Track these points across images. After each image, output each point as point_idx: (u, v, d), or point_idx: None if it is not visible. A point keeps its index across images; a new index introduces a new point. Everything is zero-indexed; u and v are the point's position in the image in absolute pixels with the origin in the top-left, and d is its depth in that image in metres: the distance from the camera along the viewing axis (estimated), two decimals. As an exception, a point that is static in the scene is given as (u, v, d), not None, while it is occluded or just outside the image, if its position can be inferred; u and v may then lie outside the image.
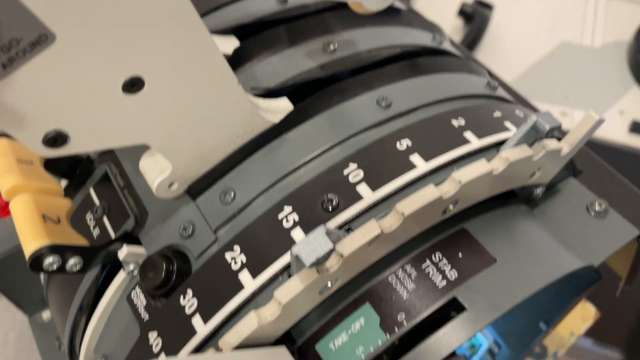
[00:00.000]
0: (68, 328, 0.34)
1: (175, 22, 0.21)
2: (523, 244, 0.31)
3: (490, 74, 0.40)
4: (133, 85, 0.21)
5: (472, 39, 0.98)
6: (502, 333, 0.56)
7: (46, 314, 0.45)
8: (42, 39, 0.18)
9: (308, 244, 0.23)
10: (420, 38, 0.37)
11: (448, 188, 0.27)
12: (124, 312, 0.30)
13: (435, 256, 0.29)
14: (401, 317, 0.28)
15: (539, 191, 0.36)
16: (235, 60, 0.32)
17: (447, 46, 0.39)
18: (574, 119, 0.94)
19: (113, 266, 0.31)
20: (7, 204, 0.36)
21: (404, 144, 0.28)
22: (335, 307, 0.28)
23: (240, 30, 0.33)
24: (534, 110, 0.43)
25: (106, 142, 0.23)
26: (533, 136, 0.30)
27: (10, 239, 0.38)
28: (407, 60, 0.33)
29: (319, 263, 0.24)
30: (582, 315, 0.66)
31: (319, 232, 0.24)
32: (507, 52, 1.03)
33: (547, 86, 0.99)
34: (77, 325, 0.33)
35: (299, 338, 0.28)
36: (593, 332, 0.66)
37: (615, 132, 0.91)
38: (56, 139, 0.21)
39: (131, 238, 0.30)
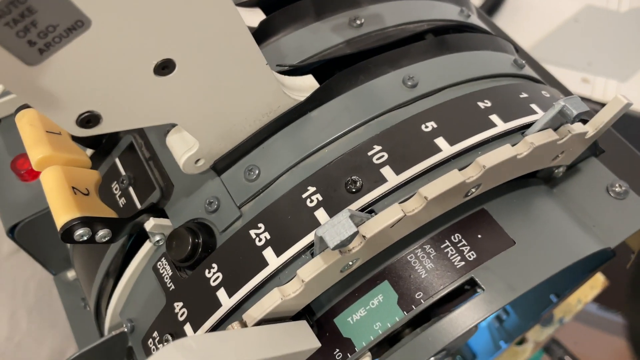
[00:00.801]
0: (95, 291, 0.35)
1: (206, 2, 0.21)
2: (542, 226, 0.32)
3: (517, 49, 0.39)
4: (164, 67, 0.22)
5: (494, 2, 0.95)
6: (512, 302, 0.57)
7: (71, 274, 0.46)
8: (78, 24, 0.18)
9: (332, 227, 0.24)
10: (447, 12, 0.36)
11: (472, 173, 0.27)
12: (149, 281, 0.31)
13: (454, 236, 0.29)
14: (419, 295, 0.28)
15: (559, 171, 0.36)
16: (261, 34, 0.32)
17: (474, 20, 0.38)
18: (595, 87, 0.92)
19: (139, 235, 0.32)
20: (32, 168, 0.37)
21: (429, 126, 0.28)
22: (354, 283, 0.29)
23: (265, 3, 0.33)
24: (551, 80, 0.42)
25: (136, 122, 0.23)
26: (559, 121, 0.29)
27: (36, 202, 0.39)
28: (434, 38, 0.32)
29: (343, 245, 0.24)
30: (591, 284, 0.67)
31: (343, 216, 0.24)
32: (528, 15, 1.00)
33: (569, 51, 0.97)
34: (103, 289, 0.35)
35: (319, 311, 0.29)
36: (599, 298, 0.66)
37: (637, 101, 0.89)
38: (89, 119, 0.21)
39: (157, 210, 0.31)
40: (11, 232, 0.39)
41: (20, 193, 0.39)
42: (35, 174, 0.39)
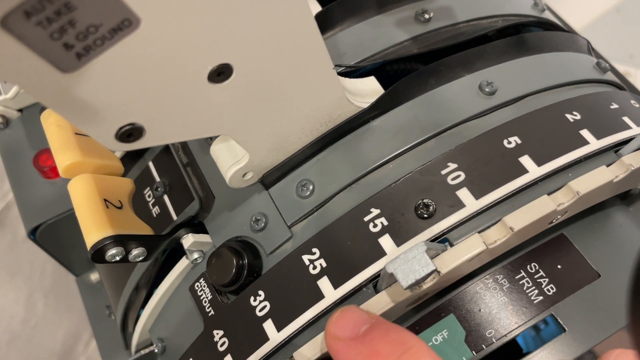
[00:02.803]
0: (122, 304, 0.32)
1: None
2: (626, 255, 0.28)
3: (591, 48, 0.35)
4: (220, 73, 0.18)
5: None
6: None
7: (94, 276, 0.44)
8: (125, 24, 0.15)
9: (406, 262, 0.21)
10: (521, 6, 0.32)
11: (563, 199, 0.23)
12: (185, 301, 0.28)
13: (530, 266, 0.26)
14: (490, 333, 0.25)
15: (637, 188, 0.32)
16: (316, 28, 0.28)
17: (548, 15, 0.34)
18: (637, 80, 0.87)
19: (173, 248, 0.29)
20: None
21: (512, 141, 0.24)
22: (415, 315, 0.26)
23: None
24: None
25: (183, 135, 0.20)
26: (658, 138, 0.26)
27: (59, 203, 0.36)
28: (512, 37, 0.28)
29: (417, 284, 0.21)
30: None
31: (419, 250, 0.21)
32: (567, 4, 0.95)
33: (610, 43, 0.91)
34: (132, 303, 0.32)
35: (374, 344, 0.26)
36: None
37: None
38: (131, 133, 0.18)
39: (195, 223, 0.27)
40: (32, 234, 0.36)
41: (42, 192, 0.36)
42: (58, 172, 0.36)
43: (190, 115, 0.19)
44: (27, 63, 0.14)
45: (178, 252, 0.29)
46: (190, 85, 0.18)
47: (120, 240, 0.23)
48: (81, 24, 0.14)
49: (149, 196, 0.30)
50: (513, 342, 0.27)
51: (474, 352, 0.25)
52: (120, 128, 0.18)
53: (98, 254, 0.23)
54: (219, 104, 0.19)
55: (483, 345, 0.25)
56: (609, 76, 0.31)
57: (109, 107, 0.17)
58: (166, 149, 0.30)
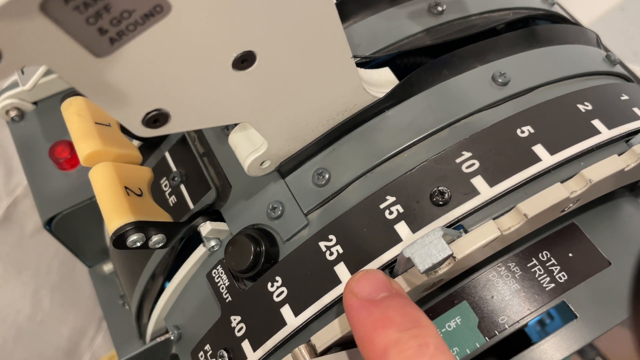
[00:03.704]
0: (138, 293, 0.33)
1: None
2: (636, 243, 0.28)
3: (599, 41, 0.35)
4: (244, 61, 0.19)
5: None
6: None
7: (107, 267, 0.44)
8: (157, 10, 0.15)
9: (422, 247, 0.21)
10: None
11: (575, 187, 0.24)
12: (201, 288, 0.29)
13: (542, 254, 0.26)
14: (502, 320, 0.26)
15: (646, 180, 0.32)
16: (331, 20, 0.28)
17: (558, 9, 0.34)
18: (643, 79, 0.87)
19: (189, 238, 0.29)
20: (73, 156, 0.34)
21: (525, 131, 0.25)
22: (428, 302, 0.26)
23: (336, -15, 0.29)
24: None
25: (207, 122, 0.20)
26: (669, 128, 0.26)
27: (75, 194, 0.36)
28: (524, 29, 0.29)
29: (434, 268, 0.21)
30: None
31: (436, 235, 0.21)
32: (571, 2, 0.95)
33: (614, 41, 0.91)
34: (147, 291, 0.32)
35: (387, 330, 0.27)
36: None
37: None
38: (157, 118, 0.18)
39: (212, 211, 0.28)
40: (48, 225, 0.36)
41: (58, 183, 0.37)
42: (74, 163, 0.37)
43: (213, 102, 0.19)
44: (63, 47, 0.15)
45: (193, 241, 0.29)
46: (215, 72, 0.18)
47: (141, 226, 0.24)
48: (116, 9, 0.15)
49: (165, 186, 0.30)
50: (524, 335, 0.27)
51: (486, 338, 0.25)
52: (147, 113, 0.18)
53: (119, 239, 0.24)
54: (242, 92, 0.20)
55: (496, 332, 0.25)
56: (618, 69, 0.32)
57: (137, 93, 0.17)
58: (182, 139, 0.30)
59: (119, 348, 0.39)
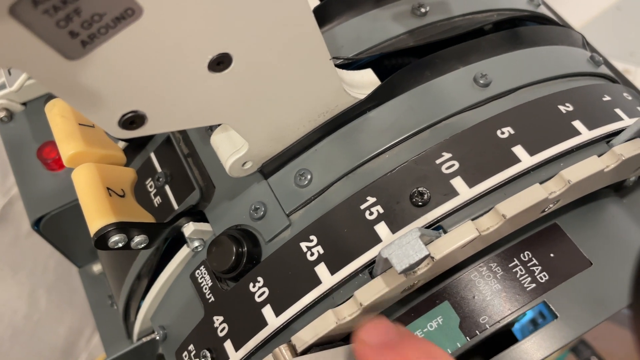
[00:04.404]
0: (124, 293, 0.33)
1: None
2: (618, 245, 0.28)
3: (586, 42, 0.35)
4: (220, 63, 0.19)
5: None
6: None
7: (97, 267, 0.44)
8: (128, 13, 0.15)
9: (400, 247, 0.21)
10: (516, 1, 0.32)
11: (554, 188, 0.24)
12: (185, 288, 0.29)
13: (524, 254, 0.27)
14: (484, 319, 0.26)
15: (632, 179, 0.32)
16: (314, 21, 0.28)
17: (544, 9, 0.34)
18: (637, 78, 0.87)
19: (174, 237, 0.29)
20: (60, 157, 0.34)
21: (505, 132, 0.25)
22: (410, 302, 0.26)
23: (320, -14, 0.30)
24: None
25: (184, 123, 0.20)
26: (649, 129, 0.26)
27: (63, 194, 0.36)
28: (506, 30, 0.29)
29: (411, 269, 0.21)
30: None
31: (413, 236, 0.21)
32: (567, 1, 0.95)
33: (610, 40, 0.91)
34: (134, 292, 0.32)
35: (370, 330, 0.27)
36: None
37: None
38: (133, 120, 0.19)
39: (195, 212, 0.28)
40: (36, 225, 0.37)
41: (46, 183, 0.37)
42: (62, 163, 0.37)
43: (191, 104, 0.20)
44: (35, 50, 0.15)
45: (179, 242, 0.29)
46: (191, 74, 0.18)
47: (123, 227, 0.24)
48: (86, 12, 0.15)
49: (150, 186, 0.30)
50: (509, 333, 0.27)
51: (467, 337, 0.25)
52: (123, 115, 0.18)
53: (101, 240, 0.24)
54: (219, 93, 0.20)
55: (477, 331, 0.25)
56: (603, 69, 0.32)
57: (112, 95, 0.17)
58: (167, 140, 0.30)
59: (108, 348, 0.40)
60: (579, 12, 0.94)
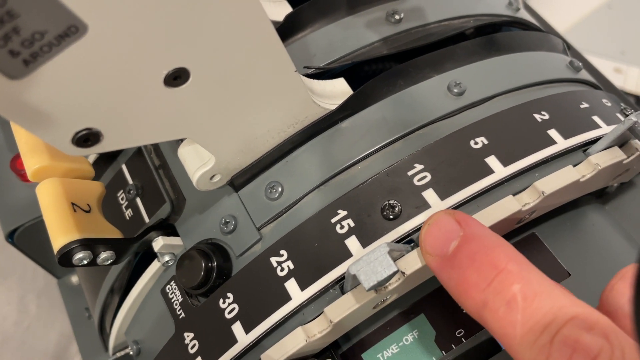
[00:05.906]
0: (98, 307, 0.32)
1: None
2: (597, 254, 0.28)
3: (568, 46, 0.35)
4: (176, 77, 0.18)
5: (527, -15, 0.90)
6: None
7: (75, 278, 0.44)
8: (72, 30, 0.15)
9: (368, 264, 0.21)
10: (495, 5, 0.32)
11: (528, 199, 0.23)
12: (157, 303, 0.28)
13: (500, 266, 0.26)
14: (459, 333, 0.25)
15: (613, 186, 0.32)
16: (286, 29, 0.28)
17: (524, 14, 0.34)
18: (628, 77, 0.87)
19: (148, 251, 0.29)
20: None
21: (479, 142, 0.24)
22: (385, 315, 0.26)
23: (292, -7, 0.29)
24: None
25: (143, 139, 0.20)
26: (627, 137, 0.26)
27: (36, 206, 0.35)
28: (482, 37, 0.28)
29: (380, 285, 0.21)
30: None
31: (381, 252, 0.21)
32: (558, 0, 0.95)
33: (601, 39, 0.91)
34: (107, 306, 0.32)
35: (345, 344, 0.26)
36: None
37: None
38: (87, 138, 0.18)
39: (166, 225, 0.27)
40: (10, 237, 0.36)
41: (20, 194, 0.36)
42: (36, 174, 0.36)
43: (148, 120, 0.19)
44: (-27, 70, 0.14)
45: (153, 254, 0.29)
46: (146, 89, 0.18)
47: (87, 243, 0.23)
48: (26, 31, 0.14)
49: (122, 199, 0.30)
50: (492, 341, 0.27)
51: (443, 351, 0.25)
52: (77, 133, 0.18)
53: (65, 257, 0.23)
54: (178, 108, 0.19)
55: (452, 345, 0.25)
56: (583, 75, 0.31)
57: (62, 113, 0.17)
58: (139, 151, 0.30)
59: (84, 354, 0.39)
60: (569, 11, 0.94)
